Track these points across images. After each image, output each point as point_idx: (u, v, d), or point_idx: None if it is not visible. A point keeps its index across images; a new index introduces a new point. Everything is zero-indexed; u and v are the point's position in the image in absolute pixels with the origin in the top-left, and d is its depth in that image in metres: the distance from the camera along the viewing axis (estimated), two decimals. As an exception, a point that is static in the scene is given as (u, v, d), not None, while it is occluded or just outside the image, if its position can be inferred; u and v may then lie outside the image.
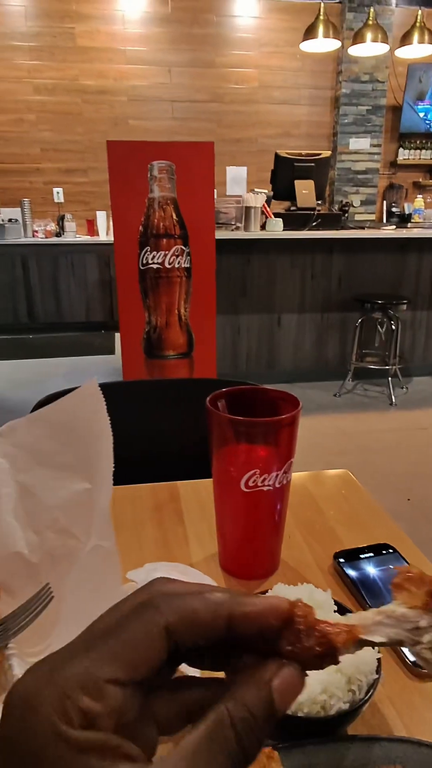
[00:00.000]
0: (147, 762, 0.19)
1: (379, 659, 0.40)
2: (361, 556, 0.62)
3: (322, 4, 3.89)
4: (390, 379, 3.63)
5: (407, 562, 0.60)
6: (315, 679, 0.38)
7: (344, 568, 0.59)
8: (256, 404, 0.59)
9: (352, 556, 0.62)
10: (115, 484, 0.80)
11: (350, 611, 0.44)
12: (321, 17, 3.79)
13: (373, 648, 0.23)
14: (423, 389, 3.84)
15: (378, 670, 0.40)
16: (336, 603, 0.44)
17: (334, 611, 0.44)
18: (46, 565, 0.43)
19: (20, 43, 5.22)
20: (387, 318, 3.62)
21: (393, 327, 3.56)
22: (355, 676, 0.39)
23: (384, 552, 0.62)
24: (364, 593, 0.56)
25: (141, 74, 5.50)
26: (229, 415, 0.53)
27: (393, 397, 3.57)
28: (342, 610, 0.44)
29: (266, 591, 0.46)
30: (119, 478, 0.85)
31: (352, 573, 0.59)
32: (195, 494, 0.77)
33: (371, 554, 0.62)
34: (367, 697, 0.38)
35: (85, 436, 0.44)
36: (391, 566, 0.60)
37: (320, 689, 0.37)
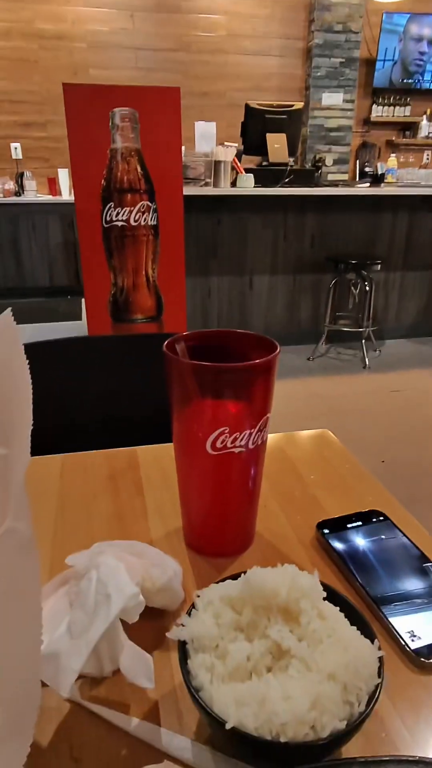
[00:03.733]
0: None
1: (380, 657, 0.32)
2: (348, 525, 0.53)
3: None
4: (363, 341, 3.58)
5: (400, 531, 0.52)
6: (303, 690, 0.29)
7: (329, 541, 0.51)
8: (225, 351, 0.49)
9: (338, 526, 0.53)
10: (69, 451, 0.69)
11: (345, 598, 0.36)
12: None
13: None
14: (396, 352, 3.81)
15: (380, 672, 0.31)
16: (325, 588, 0.35)
17: (324, 598, 0.35)
18: None
19: (-33, -20, 4.78)
20: (361, 279, 3.54)
21: (367, 288, 3.48)
22: (353, 683, 0.30)
23: (374, 520, 0.54)
24: (354, 569, 0.48)
25: (101, 18, 5.12)
26: (190, 361, 0.43)
27: (366, 360, 3.53)
28: (333, 597, 0.35)
29: (240, 574, 0.37)
30: (75, 445, 0.74)
31: (338, 546, 0.50)
32: (156, 461, 0.67)
33: (360, 523, 0.54)
34: (368, 710, 0.29)
35: (-3, 386, 0.33)
36: (383, 536, 0.52)
37: (309, 704, 0.29)
